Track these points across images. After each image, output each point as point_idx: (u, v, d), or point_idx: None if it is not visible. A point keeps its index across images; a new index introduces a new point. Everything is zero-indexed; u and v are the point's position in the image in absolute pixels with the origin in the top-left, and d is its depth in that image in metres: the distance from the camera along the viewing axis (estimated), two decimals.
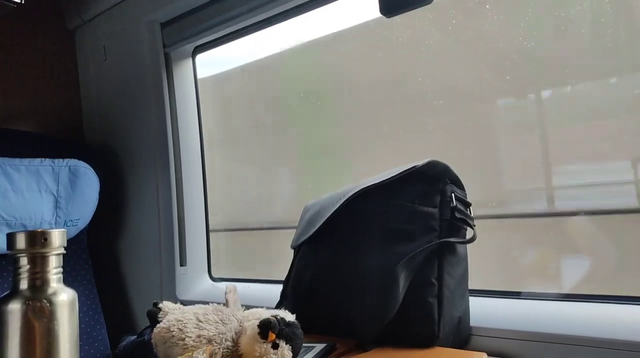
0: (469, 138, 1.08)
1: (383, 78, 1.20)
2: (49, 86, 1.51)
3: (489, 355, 0.78)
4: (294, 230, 1.02)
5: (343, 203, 0.89)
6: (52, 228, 1.18)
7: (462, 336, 0.85)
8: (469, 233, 0.86)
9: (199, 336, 0.72)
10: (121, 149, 1.47)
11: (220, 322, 0.74)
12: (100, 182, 1.33)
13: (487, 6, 1.03)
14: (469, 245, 0.87)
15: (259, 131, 1.46)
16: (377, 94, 1.21)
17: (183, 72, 1.42)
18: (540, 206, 1.02)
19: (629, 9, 0.90)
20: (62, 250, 0.59)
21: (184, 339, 0.71)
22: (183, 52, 1.41)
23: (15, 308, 0.55)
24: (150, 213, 1.38)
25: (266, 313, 0.73)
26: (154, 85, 1.37)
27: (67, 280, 0.59)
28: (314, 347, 0.79)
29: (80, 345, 0.61)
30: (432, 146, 1.13)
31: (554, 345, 0.78)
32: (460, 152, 1.07)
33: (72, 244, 1.30)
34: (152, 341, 0.75)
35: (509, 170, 1.06)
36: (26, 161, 1.22)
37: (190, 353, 0.64)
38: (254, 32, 1.29)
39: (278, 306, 0.97)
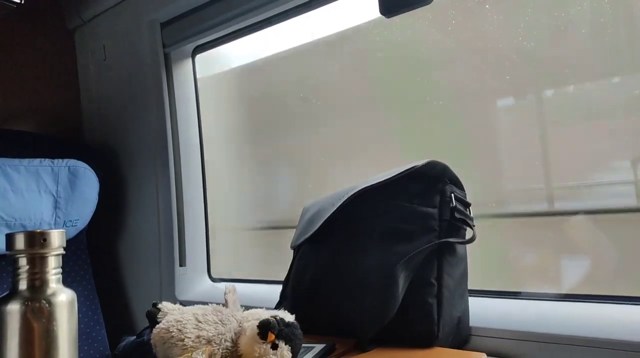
0: (468, 138, 1.08)
1: (382, 78, 1.20)
2: (48, 86, 1.51)
3: (488, 355, 0.78)
4: None
5: (342, 203, 0.89)
6: (51, 228, 1.17)
7: (462, 336, 0.85)
8: (469, 233, 0.86)
9: (198, 337, 0.72)
10: (121, 149, 1.47)
11: (219, 322, 0.74)
12: (99, 182, 1.33)
13: (487, 6, 1.03)
14: (468, 245, 0.87)
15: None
16: (376, 94, 1.21)
17: (183, 72, 1.42)
18: (540, 206, 1.02)
19: (629, 8, 0.89)
20: (62, 251, 0.59)
21: (183, 340, 0.71)
22: (183, 52, 1.41)
23: (14, 308, 0.55)
24: (149, 214, 1.38)
25: (265, 314, 0.73)
26: (153, 85, 1.37)
27: (67, 281, 0.59)
28: (314, 347, 0.79)
29: (79, 345, 0.61)
30: (432, 146, 1.13)
31: (553, 345, 0.78)
32: (459, 152, 1.07)
33: (72, 245, 1.30)
34: (152, 342, 0.75)
35: (508, 170, 1.06)
36: (26, 161, 1.22)
37: (190, 354, 0.64)
38: (254, 32, 1.29)
39: (277, 306, 0.97)
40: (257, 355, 0.68)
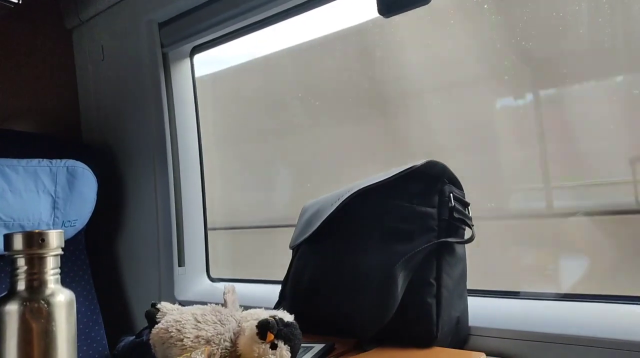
0: (467, 138, 1.08)
1: (382, 78, 1.20)
2: (47, 86, 1.51)
3: (487, 355, 0.78)
4: None
5: (341, 203, 0.89)
6: (49, 229, 1.17)
7: (461, 336, 0.85)
8: (468, 233, 0.86)
9: (197, 337, 0.72)
10: (119, 149, 1.47)
11: (218, 322, 0.74)
12: (98, 183, 1.33)
13: (485, 6, 1.03)
14: (467, 245, 0.87)
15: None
16: (376, 94, 1.21)
17: (181, 72, 1.41)
18: (539, 206, 1.02)
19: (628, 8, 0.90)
20: (60, 251, 0.59)
21: (182, 340, 0.71)
22: (181, 52, 1.41)
23: (12, 309, 0.55)
24: (148, 214, 1.38)
25: (265, 314, 0.72)
26: (152, 85, 1.37)
27: (65, 281, 0.59)
28: (313, 347, 0.79)
29: (78, 346, 0.61)
30: (431, 146, 1.13)
31: (553, 344, 0.78)
32: (458, 152, 1.07)
33: (70, 245, 1.29)
34: (151, 342, 0.75)
35: (508, 170, 1.06)
36: (24, 161, 1.22)
37: (189, 354, 0.64)
38: (252, 32, 1.29)
39: (277, 306, 0.97)
40: (256, 355, 0.68)
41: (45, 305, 0.56)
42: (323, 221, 0.92)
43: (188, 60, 1.43)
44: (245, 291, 1.18)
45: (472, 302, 0.88)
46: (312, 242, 0.95)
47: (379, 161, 1.18)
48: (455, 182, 0.87)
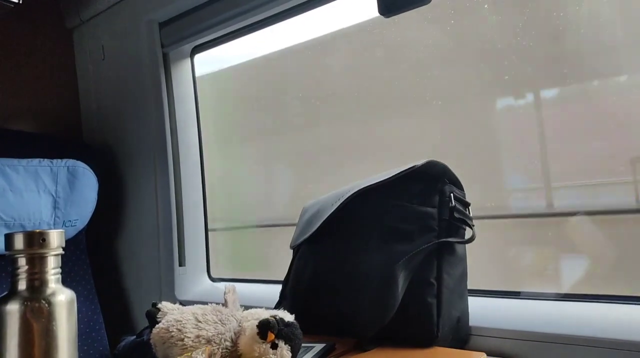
0: (467, 138, 1.08)
1: (382, 78, 1.20)
2: (47, 86, 1.51)
3: (488, 354, 0.78)
4: None
5: (342, 203, 0.89)
6: (50, 228, 1.18)
7: (461, 336, 0.85)
8: (468, 233, 0.86)
9: (197, 336, 0.72)
10: (120, 149, 1.47)
11: (219, 322, 0.74)
12: (98, 182, 1.33)
13: (486, 6, 1.03)
14: (467, 245, 0.87)
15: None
16: (375, 94, 1.21)
17: (181, 72, 1.41)
18: (539, 206, 1.02)
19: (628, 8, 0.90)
20: (61, 251, 0.59)
21: (182, 339, 0.71)
22: (181, 52, 1.41)
23: (13, 308, 0.55)
24: (149, 213, 1.38)
25: (265, 314, 0.73)
26: (152, 85, 1.37)
27: (66, 281, 0.59)
28: (313, 346, 0.79)
29: (79, 345, 0.61)
30: (431, 146, 1.13)
31: (553, 344, 0.78)
32: (458, 152, 1.07)
33: (71, 245, 1.30)
34: (151, 341, 0.75)
35: (507, 170, 1.06)
36: (24, 161, 1.22)
37: (189, 354, 0.64)
38: (253, 32, 1.29)
39: (277, 306, 0.97)
40: (256, 354, 0.68)
41: (46, 305, 0.56)
42: (323, 221, 0.92)
43: (188, 60, 1.43)
44: (245, 291, 1.18)
45: (473, 302, 0.88)
46: (313, 242, 0.95)
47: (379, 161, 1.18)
48: (455, 182, 0.87)
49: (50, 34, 1.53)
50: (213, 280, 1.41)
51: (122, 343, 1.00)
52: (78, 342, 0.60)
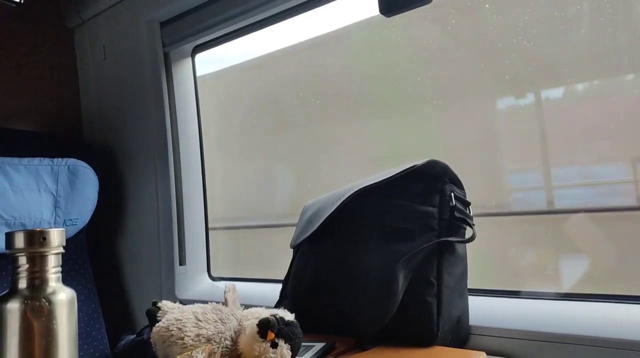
0: (467, 138, 1.08)
1: (382, 77, 1.20)
2: (48, 85, 1.51)
3: (488, 354, 0.78)
4: None
5: (342, 203, 0.89)
6: (51, 227, 1.18)
7: (461, 335, 0.85)
8: (469, 232, 0.86)
9: (198, 335, 0.72)
10: (120, 148, 1.47)
11: (219, 321, 0.74)
12: (99, 181, 1.33)
13: (487, 5, 1.03)
14: (468, 244, 0.87)
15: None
16: (375, 93, 1.21)
17: (182, 72, 1.42)
18: (540, 205, 1.02)
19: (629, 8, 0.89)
20: (61, 250, 0.59)
21: (183, 338, 0.71)
22: (182, 51, 1.41)
23: (14, 307, 0.55)
24: (149, 213, 1.38)
25: (265, 313, 0.73)
26: (153, 85, 1.37)
27: (66, 280, 0.59)
28: (313, 346, 0.79)
29: (79, 344, 0.61)
30: (431, 145, 1.13)
31: (553, 344, 0.78)
32: (458, 151, 1.07)
33: (71, 243, 1.30)
34: (151, 340, 0.75)
35: (507, 170, 1.06)
36: (25, 160, 1.22)
37: (190, 353, 0.64)
38: (254, 31, 1.29)
39: (277, 305, 0.97)
40: (256, 353, 0.68)
41: (47, 304, 0.56)
42: (324, 221, 0.92)
43: (189, 59, 1.43)
44: (246, 290, 1.18)
45: (473, 301, 0.88)
46: (313, 241, 0.95)
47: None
48: (456, 182, 0.87)
49: (50, 34, 1.53)
50: (213, 279, 1.41)
51: (123, 342, 1.00)
52: (78, 341, 0.60)
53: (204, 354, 0.64)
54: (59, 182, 1.25)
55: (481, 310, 0.89)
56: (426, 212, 0.84)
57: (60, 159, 1.27)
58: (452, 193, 0.85)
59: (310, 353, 0.77)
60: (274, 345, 0.68)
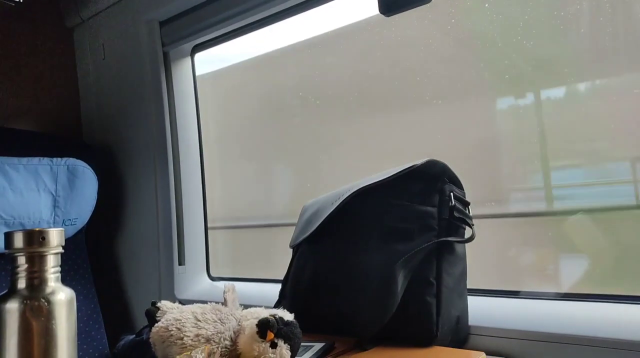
0: (468, 137, 1.08)
1: (382, 77, 1.20)
2: (47, 85, 1.51)
3: (487, 354, 0.78)
4: None
5: (341, 202, 0.89)
6: (50, 227, 1.18)
7: (461, 335, 0.85)
8: (468, 232, 0.86)
9: (197, 335, 0.72)
10: (120, 148, 1.47)
11: (218, 321, 0.74)
12: (98, 181, 1.33)
13: (486, 5, 1.03)
14: (467, 244, 0.87)
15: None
16: (376, 93, 1.21)
17: (182, 71, 1.41)
18: (539, 205, 1.02)
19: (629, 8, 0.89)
20: (60, 249, 0.59)
21: (182, 338, 0.71)
22: (182, 50, 1.41)
23: (13, 307, 0.55)
24: (148, 213, 1.38)
25: (265, 313, 0.72)
26: (152, 84, 1.37)
27: (66, 280, 0.59)
28: (313, 346, 0.79)
29: (78, 344, 0.61)
30: (432, 145, 1.13)
31: (553, 344, 0.78)
32: (458, 151, 1.07)
33: (71, 243, 1.30)
34: (151, 340, 0.75)
35: (507, 170, 1.06)
36: (24, 160, 1.22)
37: (189, 353, 0.64)
38: (253, 30, 1.29)
39: (277, 305, 0.97)
40: (256, 353, 0.68)
41: (46, 304, 0.56)
42: (323, 220, 0.92)
43: (189, 59, 1.43)
44: (245, 290, 1.18)
45: (473, 301, 0.88)
46: (312, 241, 0.95)
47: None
48: (455, 181, 0.87)
49: (50, 34, 1.53)
50: (212, 279, 1.41)
51: (122, 342, 1.00)
52: (77, 341, 0.60)
53: (203, 354, 0.64)
54: (58, 181, 1.25)
55: (480, 310, 0.89)
56: (425, 212, 0.84)
57: (59, 159, 1.27)
58: (452, 193, 0.85)
59: (310, 353, 0.77)
60: (274, 345, 0.68)
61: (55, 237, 0.58)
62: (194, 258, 1.38)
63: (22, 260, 0.57)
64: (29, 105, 1.46)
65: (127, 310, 1.43)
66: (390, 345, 0.81)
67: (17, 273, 0.57)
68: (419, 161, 0.85)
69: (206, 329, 0.72)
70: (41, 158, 1.25)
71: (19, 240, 0.57)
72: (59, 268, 0.59)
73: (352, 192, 0.89)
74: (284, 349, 0.68)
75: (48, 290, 0.57)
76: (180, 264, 1.35)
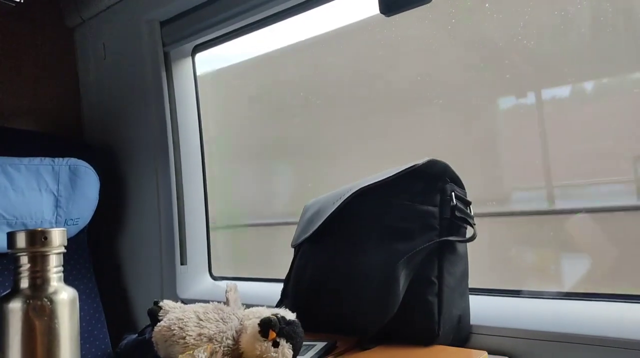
0: (468, 137, 1.08)
1: (383, 76, 1.20)
2: (48, 85, 1.51)
3: (489, 353, 0.78)
4: None
5: (342, 202, 0.89)
6: (52, 227, 1.18)
7: (462, 334, 0.85)
8: (469, 231, 0.86)
9: (199, 334, 0.72)
10: (121, 148, 1.47)
11: (220, 320, 0.74)
12: (100, 181, 1.33)
13: (487, 5, 1.03)
14: (469, 244, 0.87)
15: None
16: (377, 93, 1.21)
17: (183, 71, 1.42)
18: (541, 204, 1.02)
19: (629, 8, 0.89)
20: (63, 249, 0.60)
21: (184, 338, 0.71)
22: (182, 50, 1.41)
23: (16, 307, 0.55)
24: (150, 212, 1.38)
25: (267, 312, 0.73)
26: (153, 84, 1.37)
27: (68, 279, 0.59)
28: (315, 345, 0.80)
29: (81, 343, 0.61)
30: (432, 145, 1.13)
31: (554, 343, 0.78)
32: (459, 150, 1.07)
33: (73, 243, 1.30)
34: (153, 340, 0.75)
35: (508, 170, 1.06)
36: (26, 160, 1.22)
37: (191, 352, 0.64)
38: (254, 30, 1.29)
39: (279, 305, 0.97)
40: (258, 352, 0.68)
41: (48, 303, 0.56)
42: (324, 220, 0.92)
43: (190, 59, 1.43)
44: (247, 289, 1.18)
45: (474, 301, 0.88)
46: (314, 241, 0.95)
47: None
48: (457, 181, 0.87)
49: (51, 34, 1.53)
50: (214, 278, 1.41)
51: (124, 342, 1.01)
52: (80, 340, 0.60)
53: (205, 353, 0.64)
54: (60, 181, 1.26)
55: (482, 310, 0.89)
56: (426, 211, 0.84)
57: (61, 159, 1.27)
58: (453, 193, 0.85)
59: (312, 352, 0.77)
60: (276, 345, 0.68)
61: (58, 237, 0.59)
62: (196, 258, 1.38)
63: (24, 260, 0.57)
64: (29, 105, 1.46)
65: (130, 309, 1.44)
66: (391, 344, 0.81)
67: (20, 273, 0.57)
68: (419, 161, 0.85)
69: (208, 328, 0.72)
70: (43, 158, 1.25)
71: (21, 240, 0.57)
72: (61, 268, 0.59)
73: (353, 192, 0.89)
74: (286, 348, 0.68)
75: (51, 289, 0.57)
76: (182, 263, 1.35)
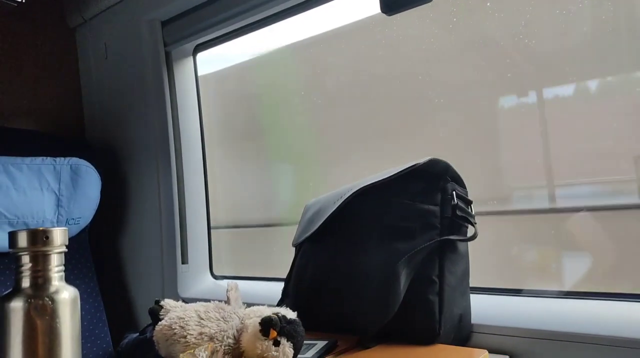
0: (470, 136, 1.08)
1: (383, 76, 1.20)
2: (50, 84, 1.52)
3: (490, 352, 0.78)
4: None
5: (343, 201, 0.89)
6: (54, 226, 1.18)
7: (463, 333, 0.85)
8: (470, 231, 0.86)
9: (200, 333, 0.72)
10: (122, 147, 1.47)
11: (221, 319, 0.74)
12: (101, 181, 1.33)
13: (488, 4, 1.03)
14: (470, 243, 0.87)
15: None
16: (377, 93, 1.21)
17: (184, 71, 1.42)
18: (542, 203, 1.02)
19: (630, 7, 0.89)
20: (64, 249, 0.60)
21: (185, 336, 0.71)
22: (184, 50, 1.41)
23: (17, 306, 0.56)
24: (151, 212, 1.38)
25: (268, 311, 0.73)
26: (155, 84, 1.37)
27: (69, 278, 0.59)
28: (316, 344, 0.80)
29: (82, 342, 0.61)
30: (433, 145, 1.13)
31: (556, 342, 0.78)
32: (461, 150, 1.07)
33: (74, 242, 1.30)
34: (154, 339, 0.76)
35: (509, 169, 1.06)
36: (28, 160, 1.23)
37: (192, 351, 0.65)
38: (255, 30, 1.29)
39: (280, 304, 0.97)
40: (259, 351, 0.68)
41: (50, 302, 0.56)
42: (325, 220, 0.92)
43: (191, 58, 1.43)
44: (248, 288, 1.18)
45: (475, 300, 0.88)
46: (314, 240, 0.95)
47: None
48: (458, 180, 0.87)
49: (52, 34, 1.53)
50: (215, 277, 1.41)
51: (125, 341, 1.01)
52: (81, 340, 0.60)
53: (206, 352, 0.65)
54: (61, 181, 1.26)
55: (483, 308, 0.89)
56: (427, 210, 0.84)
57: (62, 158, 1.27)
58: (454, 192, 0.85)
59: (313, 351, 0.77)
60: (277, 343, 0.68)
61: (59, 236, 0.59)
62: (197, 257, 1.39)
63: (26, 259, 0.57)
64: (30, 105, 1.47)
65: (131, 308, 1.44)
66: (392, 343, 0.81)
67: (21, 273, 0.57)
68: (420, 160, 0.85)
69: (209, 327, 0.72)
70: (44, 157, 1.25)
71: (22, 240, 0.57)
72: (62, 268, 0.60)
73: (353, 191, 0.89)
74: (286, 347, 0.68)
75: (52, 289, 0.57)
76: (183, 263, 1.35)
